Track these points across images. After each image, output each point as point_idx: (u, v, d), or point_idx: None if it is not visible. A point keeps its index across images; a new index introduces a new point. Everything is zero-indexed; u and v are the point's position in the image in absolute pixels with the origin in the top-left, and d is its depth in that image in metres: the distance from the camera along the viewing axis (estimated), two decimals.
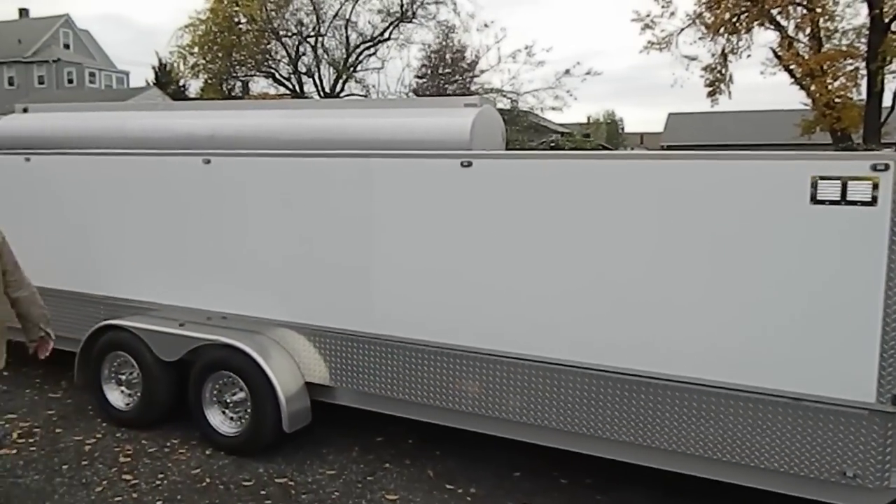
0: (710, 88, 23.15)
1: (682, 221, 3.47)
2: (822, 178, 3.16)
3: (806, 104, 20.71)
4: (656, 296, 3.54)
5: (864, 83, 19.21)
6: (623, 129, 59.49)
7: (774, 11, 20.27)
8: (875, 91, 18.86)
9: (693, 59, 22.51)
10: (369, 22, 24.18)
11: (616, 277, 3.64)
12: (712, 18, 21.29)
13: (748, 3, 20.54)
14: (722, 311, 3.42)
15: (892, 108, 19.07)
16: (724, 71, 22.72)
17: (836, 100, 19.22)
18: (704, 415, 3.52)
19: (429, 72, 22.99)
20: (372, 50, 23.81)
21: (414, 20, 23.40)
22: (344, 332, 4.43)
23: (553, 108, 19.99)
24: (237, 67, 23.72)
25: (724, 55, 22.46)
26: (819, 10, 19.92)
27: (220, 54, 23.03)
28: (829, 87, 19.42)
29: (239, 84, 25.03)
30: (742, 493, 3.73)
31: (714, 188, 3.40)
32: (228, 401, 4.68)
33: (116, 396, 5.16)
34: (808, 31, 20.39)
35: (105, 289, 5.33)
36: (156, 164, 5.03)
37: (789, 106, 23.72)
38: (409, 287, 4.18)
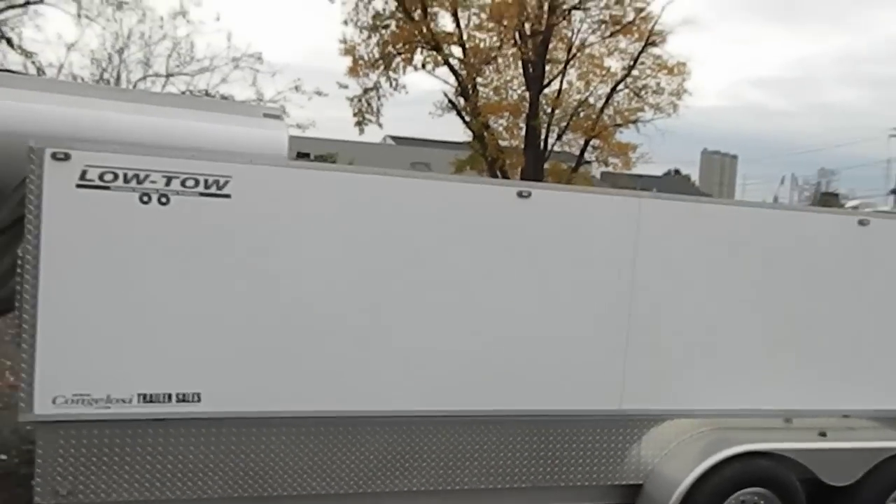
0: (357, 119, 24.77)
1: None
2: None
3: (474, 145, 23.64)
4: None
5: (523, 134, 23.16)
6: None
7: (452, 61, 22.71)
8: (534, 142, 22.87)
9: (345, 87, 23.66)
10: None
11: None
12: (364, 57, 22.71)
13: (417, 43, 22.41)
14: None
15: (546, 156, 23.42)
16: (371, 103, 24.50)
17: (505, 146, 22.82)
18: None
19: None
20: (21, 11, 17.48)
21: None
22: None
23: (298, 126, 18.28)
24: None
25: (373, 89, 24.22)
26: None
27: None
28: (498, 135, 22.92)
29: None
30: None
31: None
32: None
33: None
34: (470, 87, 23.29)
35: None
36: None
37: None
38: None
